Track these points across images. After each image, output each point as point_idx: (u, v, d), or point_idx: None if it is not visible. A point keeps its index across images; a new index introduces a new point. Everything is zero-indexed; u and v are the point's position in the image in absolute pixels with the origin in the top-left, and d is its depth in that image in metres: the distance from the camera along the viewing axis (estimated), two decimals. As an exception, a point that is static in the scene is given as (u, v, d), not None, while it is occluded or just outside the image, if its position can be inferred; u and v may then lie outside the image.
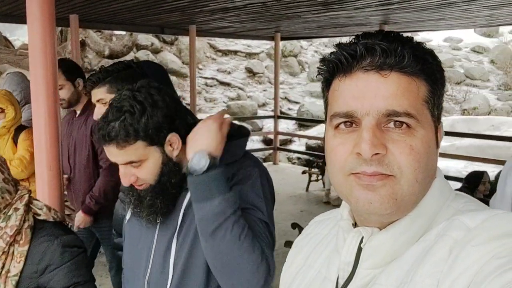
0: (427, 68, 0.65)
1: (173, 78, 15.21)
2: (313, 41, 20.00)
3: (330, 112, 0.69)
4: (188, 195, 1.29)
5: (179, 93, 14.92)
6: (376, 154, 0.62)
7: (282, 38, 10.25)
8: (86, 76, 2.63)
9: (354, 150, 0.64)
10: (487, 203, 5.03)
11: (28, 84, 4.08)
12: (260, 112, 14.78)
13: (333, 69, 0.68)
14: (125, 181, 1.25)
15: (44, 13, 2.06)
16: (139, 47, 14.52)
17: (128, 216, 1.44)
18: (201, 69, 16.26)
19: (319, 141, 11.25)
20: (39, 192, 2.13)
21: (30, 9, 2.05)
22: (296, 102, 16.40)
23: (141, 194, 1.28)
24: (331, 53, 0.69)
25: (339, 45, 0.68)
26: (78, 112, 3.03)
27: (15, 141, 3.38)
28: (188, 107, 12.93)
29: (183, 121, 1.29)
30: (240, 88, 15.80)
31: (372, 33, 0.66)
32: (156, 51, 15.37)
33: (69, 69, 3.03)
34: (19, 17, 6.95)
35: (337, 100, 0.67)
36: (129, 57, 13.41)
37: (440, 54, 20.27)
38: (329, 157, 0.69)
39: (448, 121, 11.63)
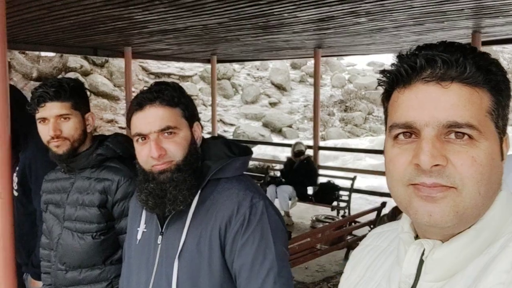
0: (490, 79, 0.64)
1: (104, 101, 14.72)
2: (245, 64, 20.36)
3: (389, 123, 0.68)
4: (193, 207, 1.25)
5: (111, 116, 14.45)
6: (436, 165, 0.61)
7: (218, 61, 10.31)
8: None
9: (413, 161, 0.63)
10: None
11: None
12: (196, 135, 14.68)
13: (392, 80, 0.68)
14: (156, 151, 1.21)
15: None
16: (68, 69, 13.94)
17: (139, 236, 1.35)
18: (133, 91, 15.90)
19: (257, 162, 11.32)
20: (-13, 223, 1.94)
21: None
22: (231, 124, 16.49)
23: (161, 179, 1.23)
24: (392, 64, 0.68)
25: (399, 57, 0.67)
26: None
27: None
28: (124, 131, 12.49)
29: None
30: (174, 111, 15.61)
31: (433, 44, 0.66)
32: (86, 74, 14.85)
33: None
34: None
35: (396, 111, 0.67)
36: (57, 79, 12.82)
37: (365, 77, 21.44)
38: (387, 167, 0.68)
39: (378, 140, 12.24)
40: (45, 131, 1.70)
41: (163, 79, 17.37)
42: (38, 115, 1.71)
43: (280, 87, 19.92)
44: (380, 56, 22.02)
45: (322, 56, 8.63)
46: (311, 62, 21.73)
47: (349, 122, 17.97)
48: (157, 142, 1.21)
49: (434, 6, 4.72)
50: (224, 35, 6.68)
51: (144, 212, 1.37)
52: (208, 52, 9.18)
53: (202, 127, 1.36)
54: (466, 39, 6.81)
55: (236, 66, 19.95)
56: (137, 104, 1.24)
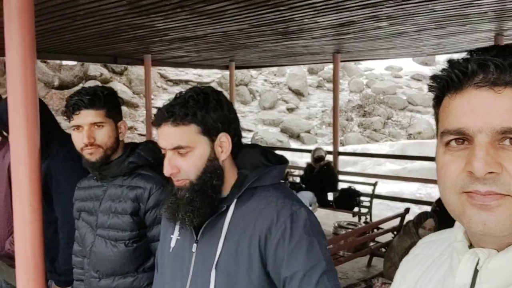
0: None
1: (123, 108, 14.88)
2: (263, 70, 20.39)
3: (440, 129, 0.67)
4: (229, 215, 1.24)
5: (130, 123, 14.60)
6: (490, 172, 0.60)
7: (236, 67, 10.35)
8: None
9: (466, 168, 0.61)
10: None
11: None
12: (214, 141, 14.73)
13: (443, 86, 0.66)
14: (167, 170, 1.23)
15: (25, 44, 1.94)
16: (88, 78, 14.14)
17: (173, 244, 1.35)
18: (152, 99, 16.06)
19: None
20: (17, 229, 1.94)
21: (9, 38, 1.93)
22: (249, 130, 16.49)
23: (179, 196, 1.25)
24: (442, 69, 0.67)
25: (450, 62, 0.66)
26: None
27: None
28: (144, 137, 12.54)
29: (237, 130, 1.32)
30: (193, 118, 15.70)
31: (485, 48, 0.64)
32: (105, 81, 15.04)
33: None
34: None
35: (447, 117, 0.65)
36: (78, 87, 13.02)
37: (383, 82, 21.26)
38: (439, 174, 0.66)
39: (398, 145, 12.10)
40: (79, 139, 1.72)
41: (181, 86, 17.52)
42: (72, 123, 1.73)
43: (297, 93, 19.89)
44: (398, 60, 21.85)
45: (341, 61, 8.59)
46: (328, 67, 21.64)
47: (368, 127, 17.83)
48: (170, 161, 1.23)
49: (456, 10, 4.66)
50: (244, 41, 6.70)
51: None
52: (226, 59, 9.23)
53: (236, 136, 1.31)
54: (488, 42, 6.72)
55: (253, 72, 20.00)
56: (155, 121, 1.27)
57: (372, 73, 22.45)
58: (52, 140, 2.26)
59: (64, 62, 12.24)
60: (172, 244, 1.35)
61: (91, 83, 14.11)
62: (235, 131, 1.31)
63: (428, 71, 22.83)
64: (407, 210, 5.17)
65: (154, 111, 1.82)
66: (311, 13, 4.73)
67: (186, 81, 17.75)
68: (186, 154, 1.22)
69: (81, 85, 13.37)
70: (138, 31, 5.65)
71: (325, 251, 1.22)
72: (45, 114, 2.28)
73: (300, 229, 1.20)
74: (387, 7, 4.51)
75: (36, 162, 1.95)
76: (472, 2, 4.36)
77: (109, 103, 1.75)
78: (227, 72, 12.91)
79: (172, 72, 17.76)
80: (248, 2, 4.20)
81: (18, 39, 1.94)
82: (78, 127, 1.72)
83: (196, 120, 1.23)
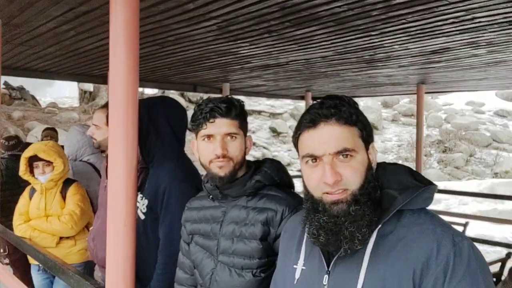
0: None
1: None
2: (335, 103, 20.10)
3: None
4: (371, 243, 1.06)
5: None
6: None
7: (312, 98, 10.19)
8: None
9: None
10: None
11: (78, 140, 3.98)
12: (285, 172, 14.58)
13: None
14: (330, 177, 1.04)
15: (129, 64, 1.87)
16: (166, 106, 14.66)
17: (298, 275, 1.17)
18: (225, 128, 16.36)
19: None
20: (110, 249, 1.86)
21: (114, 68, 1.87)
22: (321, 163, 16.21)
23: (334, 212, 1.06)
24: None
25: None
26: None
27: (63, 195, 3.19)
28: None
29: None
30: (264, 148, 15.69)
31: None
32: (181, 110, 15.50)
33: None
34: (56, 74, 7.08)
35: None
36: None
37: (464, 117, 20.16)
38: None
39: (486, 184, 11.20)
40: (209, 149, 1.58)
41: (253, 116, 17.67)
42: (204, 132, 1.59)
43: (371, 126, 19.36)
44: (479, 95, 20.68)
45: (426, 93, 8.16)
46: (404, 100, 20.90)
47: (449, 163, 16.82)
48: (332, 166, 1.05)
49: None
50: (325, 70, 6.54)
51: (304, 247, 1.20)
52: (303, 89, 9.11)
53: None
54: None
55: (325, 104, 19.77)
56: (310, 120, 1.10)
57: (451, 107, 21.38)
58: (168, 153, 2.12)
59: (146, 91, 12.76)
60: (297, 275, 1.17)
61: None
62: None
63: (514, 106, 21.38)
64: (509, 255, 4.64)
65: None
66: (403, 38, 4.47)
67: (259, 112, 17.88)
68: (348, 160, 1.07)
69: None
70: (222, 58, 5.68)
71: None
72: (173, 125, 2.17)
73: (464, 266, 0.99)
74: (490, 32, 4.16)
75: (133, 183, 1.87)
76: None
77: (242, 114, 1.64)
78: (300, 104, 12.77)
79: (245, 103, 17.99)
80: (339, 27, 4.04)
81: (122, 61, 1.86)
82: (209, 136, 1.58)
83: (359, 122, 1.11)
